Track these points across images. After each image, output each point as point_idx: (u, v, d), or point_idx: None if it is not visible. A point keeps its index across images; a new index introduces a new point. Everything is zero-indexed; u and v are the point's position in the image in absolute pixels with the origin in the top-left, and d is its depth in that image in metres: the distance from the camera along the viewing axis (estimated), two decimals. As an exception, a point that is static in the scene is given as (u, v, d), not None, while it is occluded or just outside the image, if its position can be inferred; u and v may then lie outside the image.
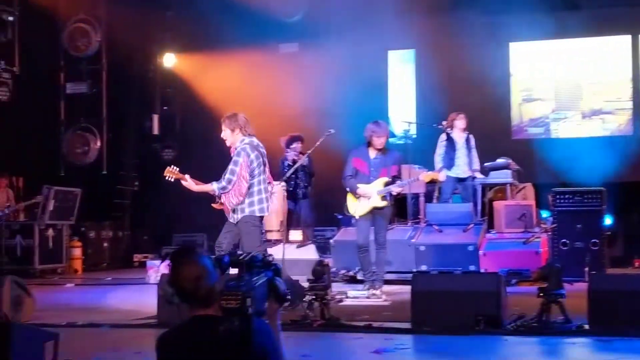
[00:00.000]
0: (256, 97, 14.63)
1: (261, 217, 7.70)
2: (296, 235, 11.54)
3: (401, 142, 12.46)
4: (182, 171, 7.76)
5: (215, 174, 13.76)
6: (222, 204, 7.64)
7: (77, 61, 15.43)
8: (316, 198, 12.13)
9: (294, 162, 11.41)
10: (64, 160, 15.38)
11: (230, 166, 7.46)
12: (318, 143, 10.61)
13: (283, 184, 11.26)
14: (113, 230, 15.46)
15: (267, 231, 11.39)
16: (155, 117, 16.04)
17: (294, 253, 10.60)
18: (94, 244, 14.87)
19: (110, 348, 5.28)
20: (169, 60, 15.94)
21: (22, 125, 15.67)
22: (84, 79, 15.42)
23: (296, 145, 11.70)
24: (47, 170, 15.45)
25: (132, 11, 15.15)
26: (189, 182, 7.68)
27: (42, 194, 13.13)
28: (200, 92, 15.49)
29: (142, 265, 13.90)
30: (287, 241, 11.15)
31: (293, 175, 11.32)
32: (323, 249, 11.64)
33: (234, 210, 7.50)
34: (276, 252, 9.26)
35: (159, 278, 7.14)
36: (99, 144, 15.36)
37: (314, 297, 6.53)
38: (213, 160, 14.39)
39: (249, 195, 7.48)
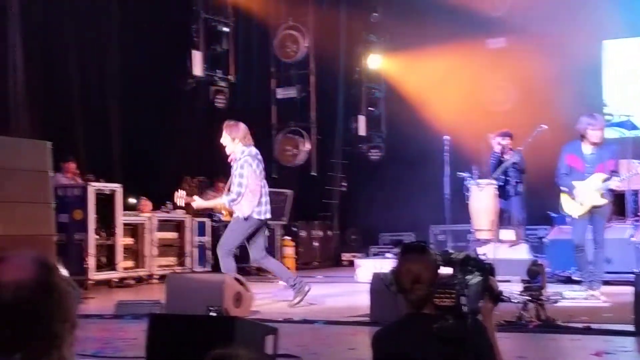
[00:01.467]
0: (463, 94, 14.48)
1: (259, 220, 7.98)
2: (507, 234, 11.25)
3: (631, 135, 11.79)
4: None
5: (422, 173, 13.79)
6: (231, 214, 7.95)
7: (286, 67, 15.97)
8: (528, 196, 11.76)
9: (504, 159, 11.15)
10: (276, 163, 15.96)
11: (237, 179, 7.72)
12: (530, 139, 10.30)
13: (493, 181, 11.03)
14: (323, 229, 15.85)
15: (477, 230, 11.20)
16: (362, 119, 16.27)
17: (506, 253, 10.34)
18: (305, 243, 15.30)
19: (324, 344, 5.39)
20: (375, 61, 16.11)
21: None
22: (293, 84, 15.93)
23: (506, 142, 11.42)
24: (260, 173, 16.10)
25: (338, 15, 15.47)
26: (197, 202, 8.19)
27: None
28: (406, 91, 15.52)
29: (351, 264, 14.12)
30: (498, 240, 10.91)
31: (503, 173, 11.06)
32: (536, 248, 11.26)
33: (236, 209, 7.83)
34: (487, 252, 9.11)
35: (370, 277, 7.19)
36: (308, 146, 15.80)
37: (529, 297, 6.33)
38: (420, 159, 14.49)
39: (250, 200, 7.78)
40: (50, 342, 2.00)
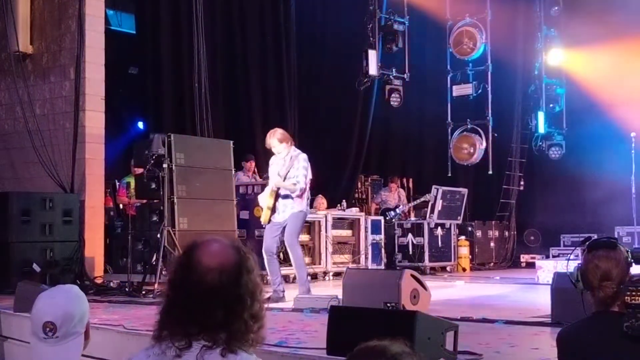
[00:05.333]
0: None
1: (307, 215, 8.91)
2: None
3: None
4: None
5: (605, 172, 13.18)
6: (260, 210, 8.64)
7: (462, 64, 15.73)
8: None
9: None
10: (451, 161, 15.78)
11: (302, 171, 8.41)
12: None
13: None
14: (499, 230, 15.55)
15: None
16: (541, 115, 15.79)
17: None
18: (481, 243, 15.08)
19: (506, 343, 5.27)
20: (555, 56, 15.59)
21: (411, 129, 16.46)
22: (469, 81, 15.67)
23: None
24: (435, 171, 16.02)
25: (516, 10, 15.09)
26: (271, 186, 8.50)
27: (431, 193, 13.62)
28: (589, 87, 14.89)
29: (529, 265, 13.78)
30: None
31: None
32: None
33: (284, 210, 8.43)
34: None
35: (551, 278, 6.94)
36: (484, 144, 15.49)
37: None
38: (604, 157, 13.86)
39: (306, 196, 8.59)
40: (252, 320, 2.09)
